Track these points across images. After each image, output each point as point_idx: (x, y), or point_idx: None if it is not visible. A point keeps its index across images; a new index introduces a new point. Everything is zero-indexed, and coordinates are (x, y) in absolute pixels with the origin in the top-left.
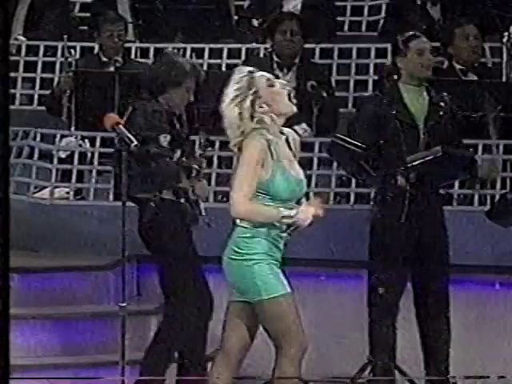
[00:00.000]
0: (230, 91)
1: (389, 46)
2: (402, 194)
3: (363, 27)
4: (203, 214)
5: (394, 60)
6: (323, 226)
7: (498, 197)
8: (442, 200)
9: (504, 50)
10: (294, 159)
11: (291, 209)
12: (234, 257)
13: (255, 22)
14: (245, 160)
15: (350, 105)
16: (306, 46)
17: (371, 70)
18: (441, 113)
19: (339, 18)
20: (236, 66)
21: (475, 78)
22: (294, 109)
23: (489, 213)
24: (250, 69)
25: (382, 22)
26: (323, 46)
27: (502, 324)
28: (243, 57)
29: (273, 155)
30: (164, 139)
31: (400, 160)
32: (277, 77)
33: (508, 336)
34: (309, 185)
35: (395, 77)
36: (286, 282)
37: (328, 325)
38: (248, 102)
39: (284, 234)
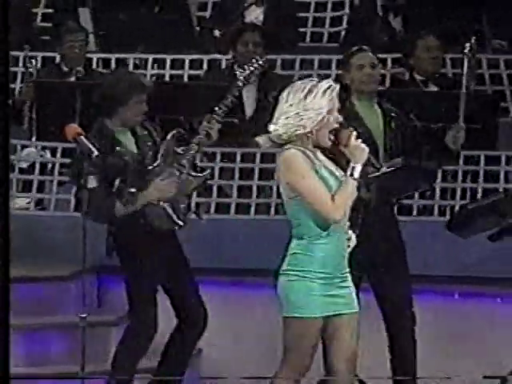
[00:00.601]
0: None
1: None
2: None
3: (325, 38)
4: (202, 218)
5: (340, 76)
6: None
7: (457, 207)
8: (392, 211)
9: (465, 61)
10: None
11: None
12: (282, 272)
13: (217, 33)
14: (296, 173)
15: None
16: (268, 56)
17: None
18: (392, 125)
19: (301, 29)
20: (198, 77)
21: (436, 88)
22: (329, 143)
23: (449, 224)
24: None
25: (343, 33)
26: (285, 56)
27: (461, 334)
28: (205, 68)
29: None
30: (91, 181)
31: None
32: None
33: (465, 346)
34: (271, 195)
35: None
36: (327, 305)
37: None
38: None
39: (349, 243)
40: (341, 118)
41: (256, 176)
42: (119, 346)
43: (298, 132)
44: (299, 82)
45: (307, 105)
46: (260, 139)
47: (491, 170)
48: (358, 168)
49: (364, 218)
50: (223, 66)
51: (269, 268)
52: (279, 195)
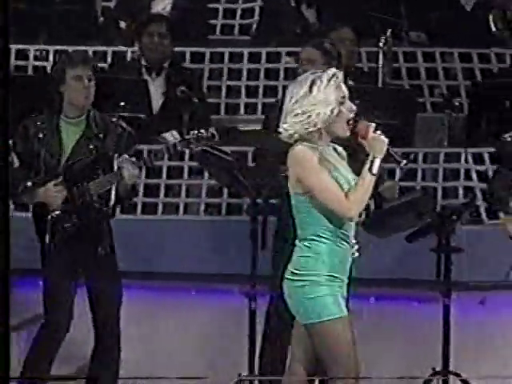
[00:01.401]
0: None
1: (262, 50)
2: None
3: (236, 31)
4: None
5: None
6: (194, 238)
7: (373, 207)
8: None
9: (380, 54)
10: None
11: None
12: (289, 277)
13: (122, 24)
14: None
15: (222, 111)
16: (176, 49)
17: (244, 75)
18: None
19: (211, 21)
20: (102, 69)
21: (351, 83)
22: (347, 133)
23: (363, 223)
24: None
25: (255, 25)
26: (194, 49)
27: (375, 338)
28: (109, 60)
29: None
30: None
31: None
32: (145, 82)
33: (382, 349)
34: (179, 194)
35: None
36: (343, 304)
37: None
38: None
39: (353, 251)
40: (354, 107)
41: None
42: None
43: (311, 130)
44: (303, 76)
45: (313, 99)
46: (167, 135)
47: (408, 168)
48: (377, 162)
49: None
50: (129, 58)
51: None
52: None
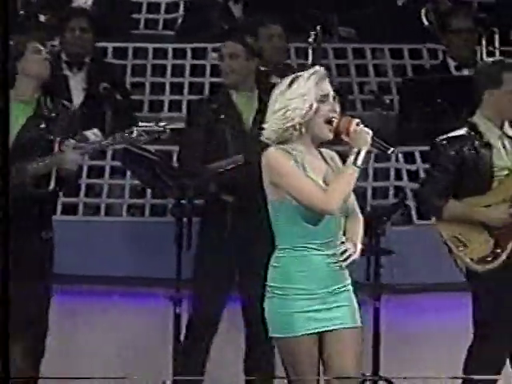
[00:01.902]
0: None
1: (187, 46)
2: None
3: (160, 25)
4: None
5: None
6: (116, 239)
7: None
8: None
9: (310, 50)
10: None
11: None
12: (266, 285)
13: (42, 18)
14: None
15: (145, 108)
16: (99, 44)
17: (169, 71)
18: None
19: (134, 16)
20: None
21: (279, 80)
22: (330, 135)
23: None
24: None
25: (180, 20)
26: (117, 44)
27: None
28: None
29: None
30: None
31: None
32: (65, 77)
33: None
34: (100, 195)
35: None
36: (309, 321)
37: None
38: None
39: (333, 261)
40: (337, 109)
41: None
42: None
43: (288, 125)
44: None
45: (291, 94)
46: (89, 133)
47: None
48: (363, 154)
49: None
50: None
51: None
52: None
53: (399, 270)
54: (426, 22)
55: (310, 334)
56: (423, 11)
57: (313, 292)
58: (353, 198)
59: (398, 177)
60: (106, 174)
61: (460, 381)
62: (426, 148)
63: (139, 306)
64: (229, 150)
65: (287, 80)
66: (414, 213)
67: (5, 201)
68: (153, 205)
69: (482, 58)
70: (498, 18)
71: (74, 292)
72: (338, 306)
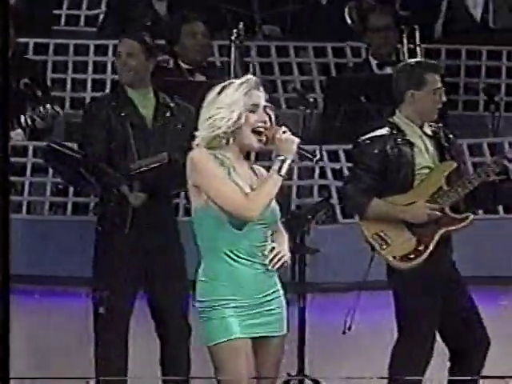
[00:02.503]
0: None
1: (109, 42)
2: (125, 204)
3: (81, 22)
4: None
5: None
6: (38, 238)
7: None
8: (172, 210)
9: (232, 48)
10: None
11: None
12: (196, 302)
13: None
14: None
15: (67, 105)
16: (19, 39)
17: (90, 68)
18: (167, 114)
19: (56, 12)
20: None
21: (203, 78)
22: (257, 145)
23: None
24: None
25: (101, 16)
26: (38, 40)
27: None
28: None
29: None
30: None
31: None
32: None
33: None
34: (21, 193)
35: None
36: (237, 327)
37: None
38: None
39: (261, 269)
40: (267, 117)
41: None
42: None
43: (214, 134)
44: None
45: (220, 103)
46: (13, 133)
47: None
48: (287, 162)
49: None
50: None
51: None
52: None
53: (324, 269)
54: (348, 21)
55: (245, 338)
56: (346, 9)
57: (242, 300)
58: (278, 214)
59: (323, 175)
60: (28, 172)
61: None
62: (350, 147)
63: (59, 304)
64: (132, 148)
65: (217, 88)
66: (338, 211)
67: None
68: (75, 203)
69: (403, 56)
70: (418, 16)
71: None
72: (270, 314)
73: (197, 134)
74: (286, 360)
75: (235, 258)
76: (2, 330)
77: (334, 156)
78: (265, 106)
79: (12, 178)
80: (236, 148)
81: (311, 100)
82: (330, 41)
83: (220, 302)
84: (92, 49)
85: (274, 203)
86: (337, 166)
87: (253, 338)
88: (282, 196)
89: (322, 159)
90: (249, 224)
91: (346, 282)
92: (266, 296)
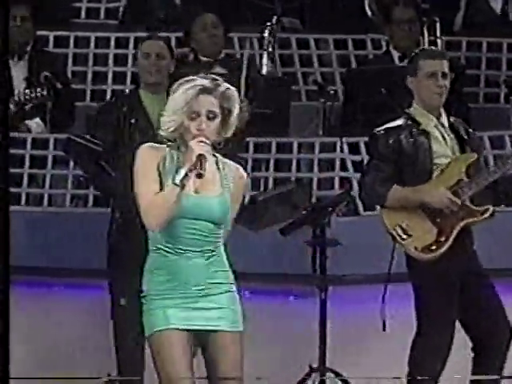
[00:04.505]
0: None
1: (130, 35)
2: None
3: (102, 14)
4: None
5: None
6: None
7: (247, 199)
8: None
9: (266, 41)
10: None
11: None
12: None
13: None
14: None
15: (87, 98)
16: (39, 33)
17: (111, 61)
18: None
19: (76, 4)
20: None
21: (223, 71)
22: (197, 150)
23: (238, 217)
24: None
25: (121, 9)
26: (58, 33)
27: (252, 333)
28: None
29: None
30: None
31: None
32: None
33: (257, 346)
34: (42, 185)
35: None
36: (173, 316)
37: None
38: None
39: (203, 263)
40: (206, 125)
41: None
42: None
43: (163, 133)
44: None
45: (168, 104)
46: (31, 122)
47: (283, 158)
48: (182, 172)
49: None
50: None
51: None
52: None
53: (345, 261)
54: (369, 13)
55: (181, 329)
56: (366, 2)
57: (177, 291)
58: (217, 210)
59: (344, 167)
60: (49, 164)
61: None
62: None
63: (81, 297)
64: None
65: (175, 85)
66: (359, 203)
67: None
68: (96, 195)
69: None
70: (438, 8)
71: (17, 282)
72: (214, 308)
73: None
74: (308, 352)
75: (169, 249)
76: (2, 330)
77: (354, 148)
78: (209, 112)
79: (33, 171)
80: (183, 148)
81: (331, 92)
82: (350, 33)
83: (155, 292)
84: (113, 41)
85: (216, 201)
86: (357, 158)
87: (196, 332)
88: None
89: (343, 149)
90: (173, 220)
91: (367, 274)
92: (205, 289)
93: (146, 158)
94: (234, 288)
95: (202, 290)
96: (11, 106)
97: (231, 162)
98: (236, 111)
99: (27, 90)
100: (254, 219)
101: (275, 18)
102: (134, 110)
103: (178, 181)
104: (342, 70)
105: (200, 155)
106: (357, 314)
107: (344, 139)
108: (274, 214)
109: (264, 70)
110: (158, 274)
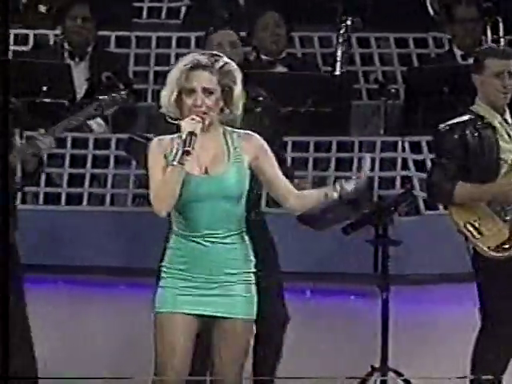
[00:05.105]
0: None
1: (191, 34)
2: None
3: (163, 14)
4: None
5: None
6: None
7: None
8: None
9: (338, 40)
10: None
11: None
12: None
13: (42, 9)
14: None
15: (149, 98)
16: (101, 33)
17: (173, 60)
18: (258, 109)
19: (137, 4)
20: (24, 52)
21: (284, 69)
22: (187, 128)
23: (300, 215)
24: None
25: (184, 9)
26: (119, 33)
27: (315, 332)
28: (31, 43)
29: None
30: None
31: None
32: (68, 66)
33: (318, 345)
34: (104, 185)
35: None
36: (173, 300)
37: None
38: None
39: (222, 251)
40: (203, 101)
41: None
42: None
43: (165, 111)
44: None
45: (167, 78)
46: (92, 122)
47: (343, 157)
48: (175, 151)
49: None
50: (51, 42)
51: None
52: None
53: (407, 261)
54: (431, 12)
55: (187, 314)
56: (428, 0)
57: (194, 277)
58: (233, 188)
59: (405, 166)
60: (111, 164)
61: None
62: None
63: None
64: None
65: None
66: (421, 203)
67: (5, 201)
68: None
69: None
70: (501, 7)
71: (79, 282)
72: (226, 295)
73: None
74: (369, 352)
75: (191, 237)
76: (2, 331)
77: (416, 147)
78: (204, 89)
79: (95, 171)
80: None
81: (392, 91)
82: (412, 31)
83: (170, 270)
84: (174, 41)
85: (227, 177)
86: (419, 157)
87: (205, 318)
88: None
89: (404, 149)
90: (188, 204)
91: (429, 273)
92: (220, 276)
93: (154, 151)
94: (252, 277)
95: (217, 276)
96: (93, 111)
97: (241, 131)
98: (238, 87)
99: (112, 95)
100: (315, 218)
101: (350, 18)
102: None
103: (175, 161)
104: (403, 69)
105: (190, 133)
106: (418, 314)
107: (405, 138)
108: (335, 214)
109: (337, 70)
110: (176, 256)
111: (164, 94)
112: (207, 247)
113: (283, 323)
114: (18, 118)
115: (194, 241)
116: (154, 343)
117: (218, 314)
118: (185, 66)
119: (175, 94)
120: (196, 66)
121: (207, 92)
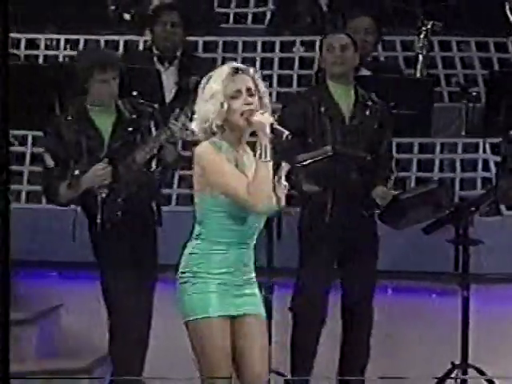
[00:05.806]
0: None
1: (276, 39)
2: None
3: (249, 19)
4: None
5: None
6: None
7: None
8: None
9: (419, 45)
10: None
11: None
12: (179, 274)
13: (127, 17)
14: (210, 169)
15: None
16: (189, 38)
17: (258, 64)
18: (367, 113)
19: (223, 10)
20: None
21: (367, 73)
22: (241, 123)
23: (381, 215)
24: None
25: (269, 14)
26: (207, 38)
27: (396, 330)
28: (121, 49)
29: None
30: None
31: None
32: (158, 71)
33: (400, 340)
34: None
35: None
36: (218, 304)
37: None
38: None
39: (249, 253)
40: (251, 101)
41: None
42: None
43: (206, 126)
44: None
45: (205, 95)
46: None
47: (425, 159)
48: (263, 146)
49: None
50: (141, 47)
51: None
52: None
53: (487, 260)
54: (510, 17)
55: (224, 316)
56: (508, 6)
57: (228, 279)
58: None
59: (486, 168)
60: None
61: None
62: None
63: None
64: (327, 143)
65: (204, 80)
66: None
67: (5, 201)
68: None
69: None
70: None
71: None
72: (250, 295)
73: (193, 127)
74: (449, 349)
75: (231, 245)
76: (1, 331)
77: (497, 149)
78: (248, 89)
79: (184, 172)
80: (232, 135)
81: (474, 94)
82: (492, 36)
83: (209, 276)
84: (259, 45)
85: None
86: (500, 158)
87: (234, 318)
88: (444, 187)
89: (485, 150)
90: (248, 215)
91: (509, 273)
92: (248, 278)
93: (213, 152)
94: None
95: (249, 278)
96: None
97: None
98: (267, 95)
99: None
100: (397, 218)
101: (430, 23)
102: (322, 99)
103: (264, 158)
104: (484, 72)
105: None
106: (498, 313)
107: (486, 140)
108: (416, 213)
109: (418, 74)
110: (219, 262)
111: (210, 108)
112: (245, 252)
113: (370, 320)
114: None
115: (241, 248)
116: (196, 347)
117: (249, 312)
118: (224, 72)
119: (225, 104)
120: (236, 71)
121: (250, 92)
